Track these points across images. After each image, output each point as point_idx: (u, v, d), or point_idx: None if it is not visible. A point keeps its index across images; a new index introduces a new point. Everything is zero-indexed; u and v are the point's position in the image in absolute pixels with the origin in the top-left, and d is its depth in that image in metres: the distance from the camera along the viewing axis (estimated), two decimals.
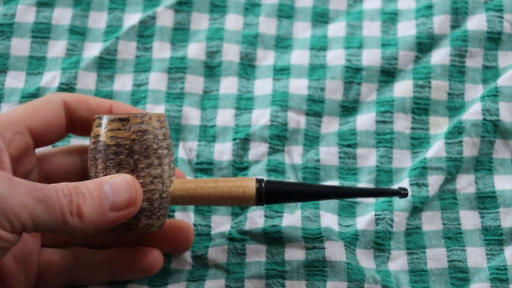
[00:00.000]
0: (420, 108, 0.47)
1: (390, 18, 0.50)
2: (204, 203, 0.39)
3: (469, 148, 0.45)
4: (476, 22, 0.48)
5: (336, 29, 0.50)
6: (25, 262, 0.37)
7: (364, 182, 0.46)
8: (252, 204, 0.39)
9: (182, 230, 0.41)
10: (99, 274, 0.39)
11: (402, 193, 0.39)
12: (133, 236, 0.40)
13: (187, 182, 0.39)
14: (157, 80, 0.48)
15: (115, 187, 0.35)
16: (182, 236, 0.41)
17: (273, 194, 0.39)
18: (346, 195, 0.41)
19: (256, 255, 0.43)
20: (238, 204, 0.39)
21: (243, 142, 0.46)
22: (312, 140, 0.47)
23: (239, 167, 0.46)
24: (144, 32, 0.50)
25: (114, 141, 0.37)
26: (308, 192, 0.40)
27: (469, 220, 0.44)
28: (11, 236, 0.32)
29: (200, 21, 0.50)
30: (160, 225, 0.38)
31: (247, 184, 0.38)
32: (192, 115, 0.47)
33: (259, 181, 0.39)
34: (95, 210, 0.34)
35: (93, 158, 0.37)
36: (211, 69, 0.49)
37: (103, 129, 0.37)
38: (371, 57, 0.48)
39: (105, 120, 0.37)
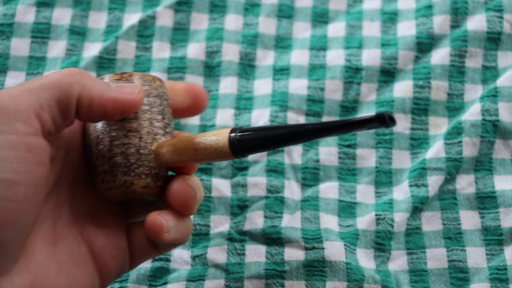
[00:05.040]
0: (420, 108, 0.47)
1: (390, 18, 0.50)
2: (185, 158, 0.36)
3: (469, 148, 0.45)
4: (476, 22, 0.48)
5: (336, 29, 0.50)
6: (115, 236, 0.37)
7: (363, 183, 0.46)
8: (229, 155, 0.35)
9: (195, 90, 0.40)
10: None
11: (381, 118, 0.31)
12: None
13: (168, 140, 0.37)
14: None
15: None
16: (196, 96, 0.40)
17: (247, 140, 0.35)
18: (322, 131, 0.34)
19: (256, 255, 0.42)
20: (216, 157, 0.36)
21: None
22: None
23: (239, 167, 0.46)
24: (144, 32, 0.50)
25: None
26: (285, 135, 0.35)
27: (469, 220, 0.44)
28: (36, 139, 0.32)
29: (200, 21, 0.50)
30: (143, 185, 0.36)
31: (222, 133, 0.35)
32: None
33: (234, 129, 0.35)
34: (100, 83, 0.34)
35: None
36: (211, 69, 0.49)
37: None
38: (371, 57, 0.48)
39: None
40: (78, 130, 0.37)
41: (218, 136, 0.35)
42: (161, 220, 0.36)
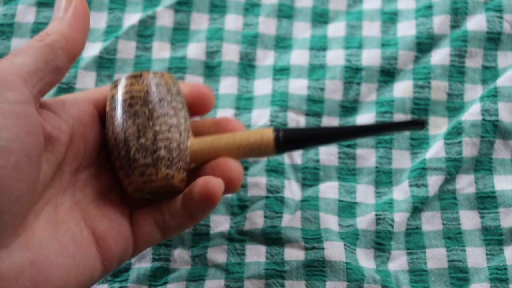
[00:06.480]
0: (420, 108, 0.47)
1: (390, 18, 0.50)
2: (223, 154, 0.39)
3: (469, 148, 0.45)
4: (476, 22, 0.48)
5: (336, 29, 0.50)
6: (118, 222, 0.38)
7: (363, 183, 0.46)
8: (272, 151, 0.39)
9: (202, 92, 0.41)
10: (183, 217, 0.38)
11: (419, 122, 0.37)
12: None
13: (204, 137, 0.39)
14: None
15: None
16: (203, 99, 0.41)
17: (291, 138, 0.39)
18: (364, 132, 0.39)
19: (256, 255, 0.43)
20: (258, 152, 0.39)
21: None
22: None
23: None
24: (144, 32, 0.50)
25: (129, 95, 0.38)
26: (327, 134, 0.39)
27: (469, 220, 0.44)
28: (26, 108, 0.33)
29: (200, 21, 0.50)
30: (181, 179, 0.38)
31: (265, 130, 0.39)
32: None
33: (276, 128, 0.39)
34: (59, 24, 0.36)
35: (110, 118, 0.38)
36: (211, 69, 0.49)
37: (117, 89, 0.38)
38: (370, 57, 0.48)
39: (118, 81, 0.38)
40: (84, 121, 0.38)
41: (263, 134, 0.38)
42: (221, 182, 0.37)
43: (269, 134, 0.38)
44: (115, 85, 0.38)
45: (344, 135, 0.39)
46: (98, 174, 0.39)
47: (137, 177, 0.37)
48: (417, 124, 0.37)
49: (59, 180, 0.37)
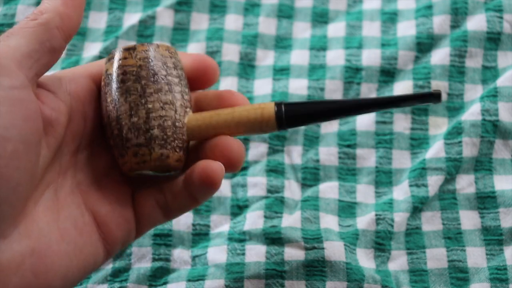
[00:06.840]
0: (420, 108, 0.47)
1: (390, 18, 0.50)
2: (222, 131, 0.36)
3: (469, 148, 0.45)
4: (476, 22, 0.48)
5: (336, 29, 0.50)
6: (120, 205, 0.37)
7: (363, 183, 0.46)
8: (273, 127, 0.36)
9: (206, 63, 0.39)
10: (185, 199, 0.37)
11: (435, 94, 0.34)
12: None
13: (202, 112, 0.37)
14: None
15: None
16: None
17: (294, 113, 0.36)
18: (372, 106, 0.36)
19: (256, 255, 0.42)
20: (259, 129, 0.36)
21: (243, 142, 0.46)
22: (311, 140, 0.47)
23: None
24: (144, 32, 0.50)
25: (121, 70, 0.36)
26: (332, 109, 0.36)
27: (469, 220, 0.44)
28: (21, 93, 0.32)
29: (200, 21, 0.50)
30: (177, 159, 0.36)
31: (266, 105, 0.36)
32: None
33: (278, 103, 0.36)
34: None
35: (103, 94, 0.36)
36: None
37: (111, 63, 0.37)
38: (370, 57, 0.48)
39: (112, 54, 0.37)
40: (82, 98, 0.36)
41: (263, 109, 0.36)
42: (221, 166, 0.35)
43: (270, 109, 0.36)
44: (110, 59, 0.37)
45: (352, 109, 0.36)
46: (98, 152, 0.37)
47: (130, 157, 0.36)
48: (433, 96, 0.34)
49: (59, 162, 0.35)
